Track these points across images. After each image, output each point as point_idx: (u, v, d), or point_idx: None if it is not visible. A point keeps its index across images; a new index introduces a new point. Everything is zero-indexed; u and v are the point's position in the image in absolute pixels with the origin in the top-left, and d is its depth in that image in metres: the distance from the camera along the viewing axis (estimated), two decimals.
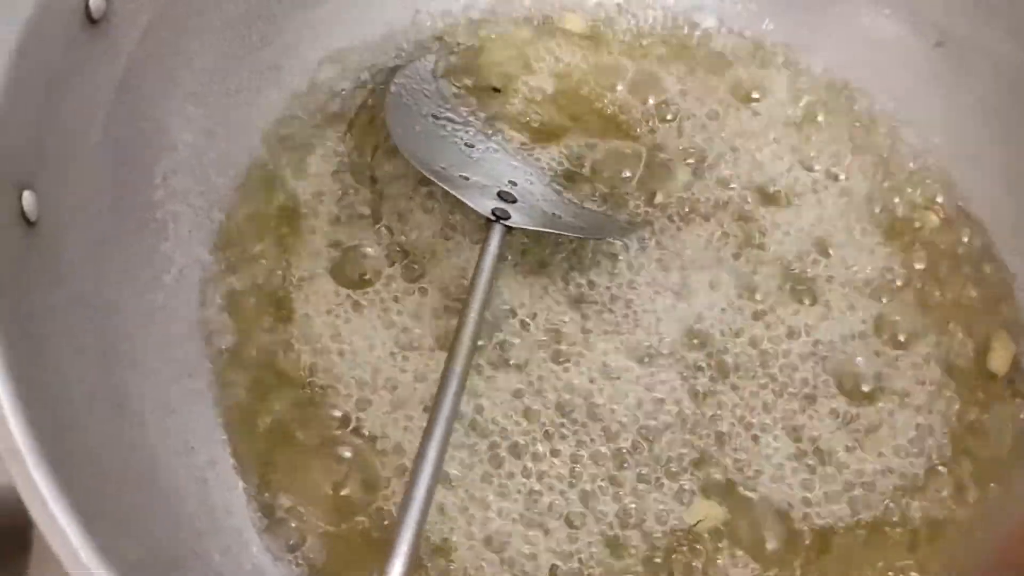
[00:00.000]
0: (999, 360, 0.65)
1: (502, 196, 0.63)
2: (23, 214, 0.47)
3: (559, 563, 0.57)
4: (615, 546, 0.58)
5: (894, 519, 0.59)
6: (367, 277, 0.65)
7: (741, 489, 0.60)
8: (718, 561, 0.58)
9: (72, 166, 0.52)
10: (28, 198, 0.48)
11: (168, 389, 0.58)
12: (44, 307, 0.48)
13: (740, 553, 0.58)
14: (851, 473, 0.60)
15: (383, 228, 0.66)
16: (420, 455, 0.50)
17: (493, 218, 0.60)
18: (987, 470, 0.61)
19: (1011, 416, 0.63)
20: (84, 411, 0.49)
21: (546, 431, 0.60)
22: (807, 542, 0.58)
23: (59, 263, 0.50)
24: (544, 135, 0.70)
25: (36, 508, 0.40)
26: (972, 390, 0.64)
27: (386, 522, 0.58)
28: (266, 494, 0.58)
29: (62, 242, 0.51)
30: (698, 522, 0.58)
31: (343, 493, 0.59)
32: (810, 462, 0.61)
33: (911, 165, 0.72)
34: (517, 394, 0.61)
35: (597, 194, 0.68)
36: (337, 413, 0.61)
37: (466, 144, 0.67)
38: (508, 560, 0.57)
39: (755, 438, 0.61)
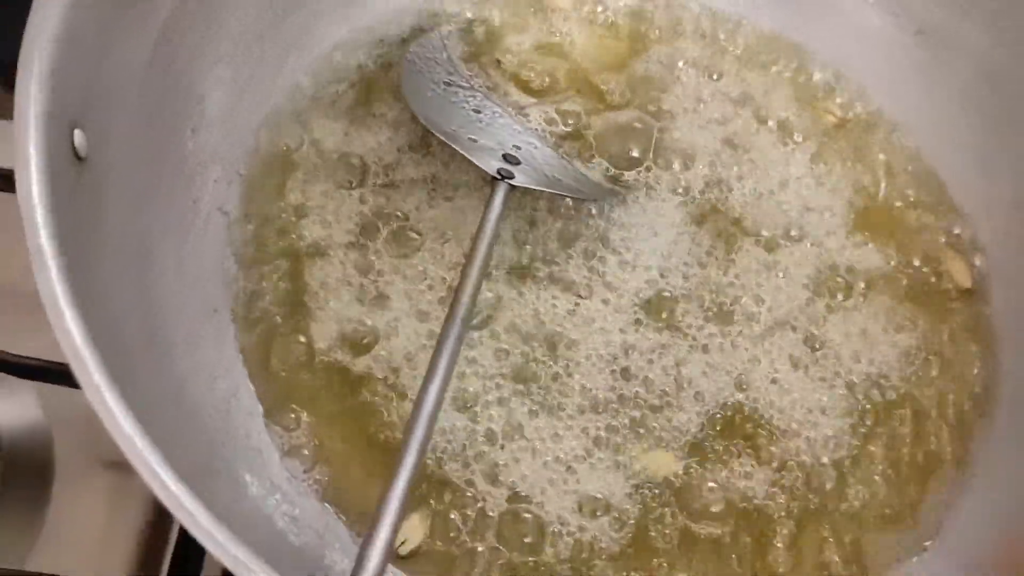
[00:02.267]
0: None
1: (507, 158, 0.68)
2: (74, 149, 0.52)
3: None
4: None
5: None
6: (378, 229, 0.70)
7: None
8: None
9: (115, 113, 0.57)
10: (79, 136, 0.52)
11: (195, 325, 0.63)
12: (92, 238, 0.53)
13: None
14: None
15: (390, 185, 0.72)
16: (426, 382, 0.55)
17: (499, 177, 0.66)
18: None
19: None
20: (126, 339, 0.54)
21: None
22: None
23: (105, 200, 0.55)
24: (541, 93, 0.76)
25: (105, 416, 0.44)
26: None
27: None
28: (282, 421, 0.64)
29: (107, 181, 0.55)
30: None
31: (354, 419, 0.64)
32: None
33: (889, 149, 0.77)
34: None
35: (594, 159, 0.74)
36: (347, 349, 0.67)
37: (474, 110, 0.72)
38: None
39: None
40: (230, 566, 0.42)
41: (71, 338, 0.45)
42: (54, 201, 0.48)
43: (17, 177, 0.48)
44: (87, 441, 0.75)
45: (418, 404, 0.52)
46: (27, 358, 0.68)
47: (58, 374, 0.69)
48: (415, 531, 0.62)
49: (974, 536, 0.64)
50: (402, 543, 0.61)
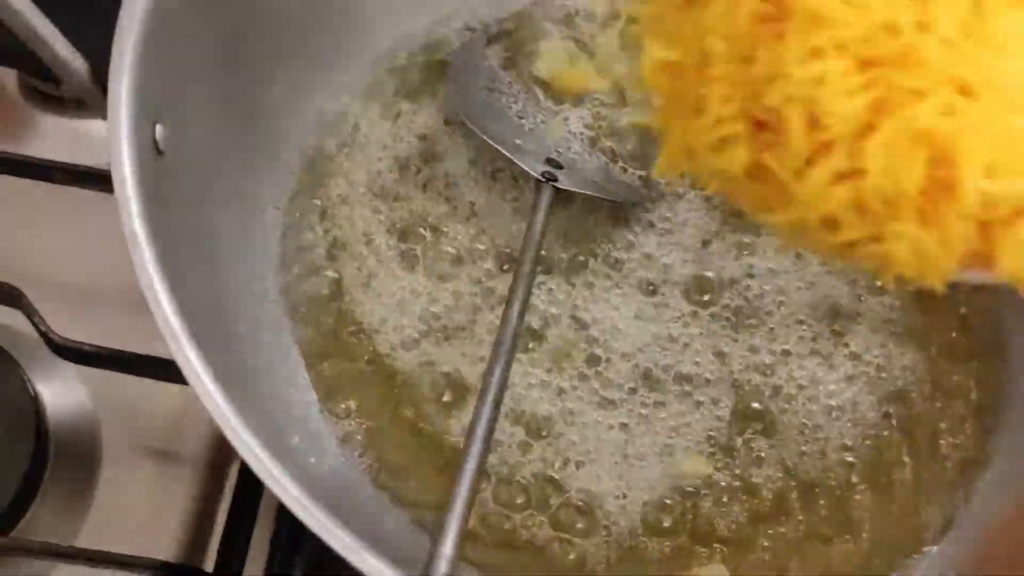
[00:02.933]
0: None
1: (550, 162, 0.72)
2: (155, 143, 0.55)
3: None
4: None
5: None
6: (423, 231, 0.74)
7: None
8: None
9: (188, 110, 0.61)
10: (159, 130, 0.56)
11: (255, 315, 0.67)
12: (169, 222, 0.56)
13: None
14: None
15: (440, 183, 0.75)
16: (485, 388, 0.56)
17: (543, 180, 0.69)
18: None
19: None
20: (199, 327, 0.57)
21: None
22: None
23: (178, 188, 0.58)
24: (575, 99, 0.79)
25: (211, 405, 0.47)
26: None
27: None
28: (335, 409, 0.68)
29: (182, 173, 0.59)
30: None
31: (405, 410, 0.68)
32: None
33: None
34: None
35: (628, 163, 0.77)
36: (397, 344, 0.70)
37: (517, 116, 0.76)
38: None
39: None
40: (317, 529, 0.45)
41: (168, 319, 0.48)
42: (143, 189, 0.52)
43: (112, 166, 0.51)
44: (133, 428, 0.78)
45: (478, 410, 0.55)
46: (78, 343, 0.71)
47: (107, 359, 0.72)
48: None
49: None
50: None
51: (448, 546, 0.46)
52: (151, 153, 0.55)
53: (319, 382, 0.68)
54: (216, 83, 0.64)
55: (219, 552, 0.72)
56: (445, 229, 0.73)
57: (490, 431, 0.53)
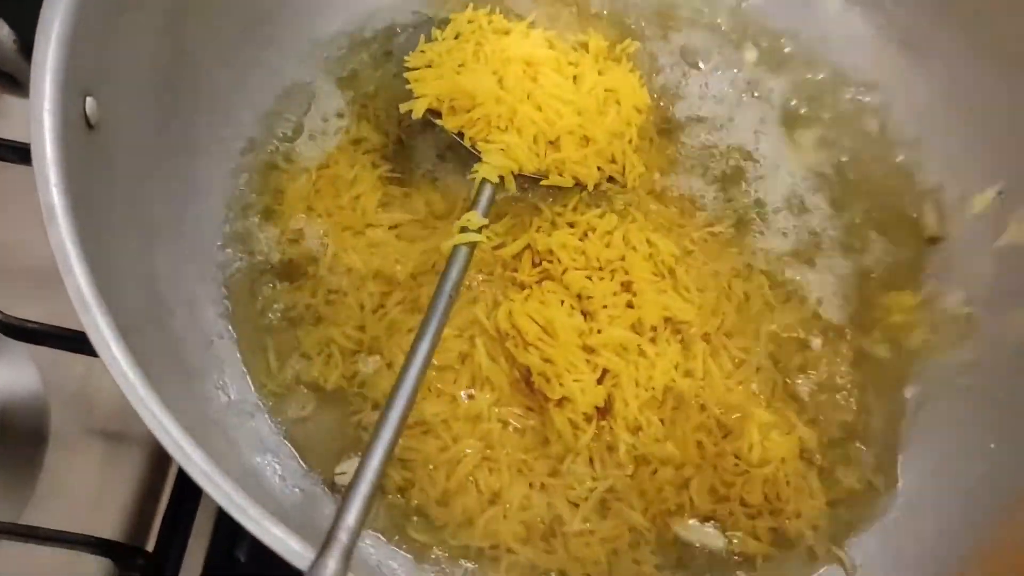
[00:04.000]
0: None
1: None
2: (86, 116, 0.55)
3: None
4: None
5: None
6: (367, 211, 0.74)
7: None
8: None
9: (126, 83, 0.60)
10: (90, 103, 0.55)
11: (193, 288, 0.67)
12: (102, 200, 0.56)
13: None
14: None
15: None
16: (414, 349, 0.57)
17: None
18: None
19: None
20: (129, 296, 0.57)
21: None
22: None
23: (113, 165, 0.58)
24: None
25: (118, 375, 0.47)
26: None
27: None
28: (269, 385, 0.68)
29: (116, 147, 0.58)
30: None
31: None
32: None
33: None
34: None
35: None
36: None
37: None
38: None
39: None
40: (227, 506, 0.44)
41: (80, 290, 0.48)
42: (66, 162, 0.51)
43: (32, 137, 0.51)
44: (83, 410, 0.78)
45: (404, 370, 0.55)
46: (26, 321, 0.71)
47: (57, 338, 0.71)
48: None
49: None
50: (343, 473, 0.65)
51: (351, 517, 0.46)
52: (80, 126, 0.55)
53: (253, 361, 0.68)
54: (157, 58, 0.64)
55: (160, 533, 0.72)
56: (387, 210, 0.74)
57: (406, 410, 0.53)
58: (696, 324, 0.71)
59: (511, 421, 0.68)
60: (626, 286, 0.72)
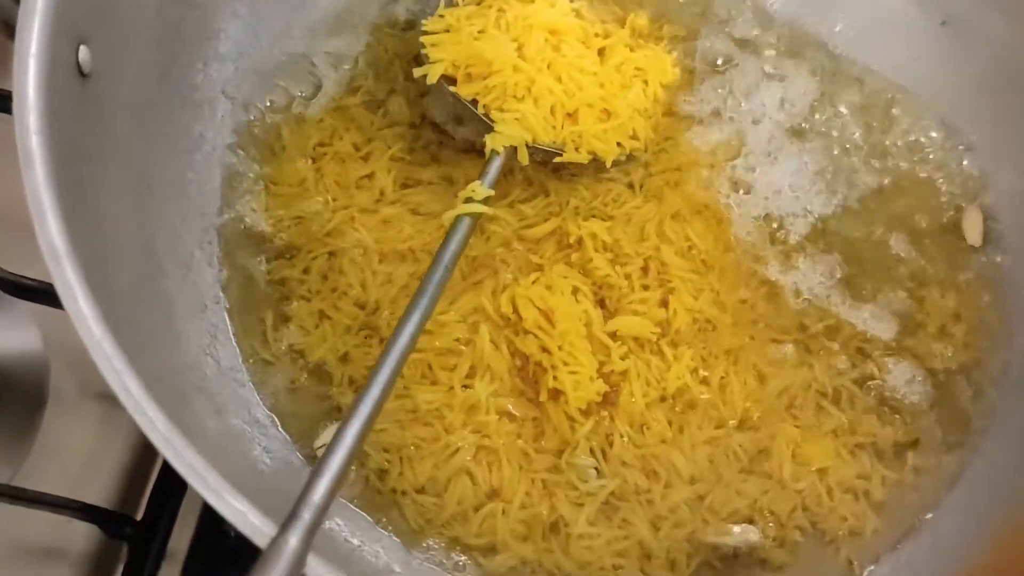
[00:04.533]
0: None
1: None
2: (78, 64, 0.53)
3: None
4: None
5: None
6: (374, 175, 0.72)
7: None
8: None
9: (126, 32, 0.58)
10: (84, 51, 0.53)
11: (189, 251, 0.65)
12: (94, 151, 0.54)
13: None
14: None
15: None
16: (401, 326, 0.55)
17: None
18: None
19: None
20: (120, 249, 0.55)
21: None
22: None
23: (108, 117, 0.56)
24: None
25: (75, 313, 0.45)
26: None
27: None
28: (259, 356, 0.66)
29: (111, 99, 0.56)
30: None
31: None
32: None
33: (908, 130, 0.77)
34: None
35: None
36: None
37: None
38: None
39: None
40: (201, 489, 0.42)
41: (52, 238, 0.46)
42: (50, 110, 0.49)
43: (14, 82, 0.49)
44: (83, 373, 0.77)
45: (390, 342, 0.53)
46: (25, 278, 0.69)
47: (55, 296, 0.69)
48: None
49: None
50: (323, 446, 0.63)
51: (317, 494, 0.43)
52: (71, 74, 0.53)
53: (246, 329, 0.67)
54: (165, 10, 0.62)
55: (150, 502, 0.70)
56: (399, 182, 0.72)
57: (387, 384, 0.51)
58: (727, 333, 0.68)
59: (510, 410, 0.65)
60: (658, 281, 0.69)
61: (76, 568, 0.71)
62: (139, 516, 0.70)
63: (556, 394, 0.64)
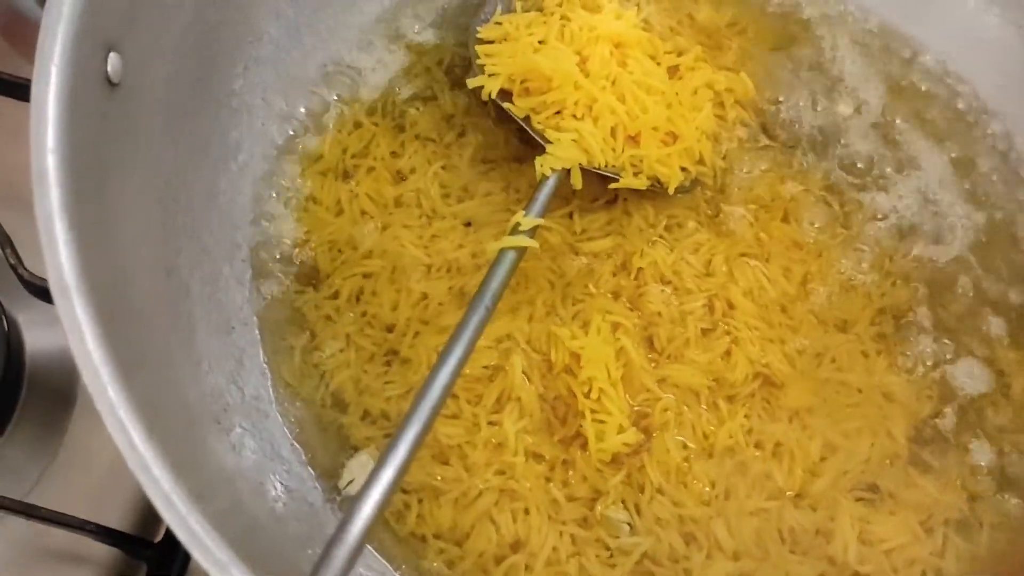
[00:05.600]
0: None
1: None
2: (106, 73, 0.50)
3: None
4: None
5: None
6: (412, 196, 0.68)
7: None
8: None
9: (160, 37, 0.55)
10: (114, 59, 0.50)
11: (218, 268, 0.62)
12: (117, 164, 0.51)
13: None
14: None
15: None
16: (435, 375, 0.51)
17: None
18: None
19: None
20: (138, 270, 0.52)
21: None
22: None
23: (137, 127, 0.53)
24: None
25: (79, 351, 0.43)
26: None
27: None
28: (286, 382, 0.63)
29: (142, 108, 0.53)
30: None
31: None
32: None
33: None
34: None
35: None
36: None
37: None
38: None
39: None
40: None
41: (61, 270, 0.43)
42: (72, 124, 0.46)
43: (32, 97, 0.46)
44: None
45: (424, 389, 0.50)
46: (44, 279, 0.67)
47: None
48: (363, 471, 0.61)
49: None
50: (349, 483, 0.61)
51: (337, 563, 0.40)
52: (99, 85, 0.50)
53: (275, 353, 0.64)
54: (203, 14, 0.59)
55: None
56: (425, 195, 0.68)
57: (418, 436, 0.47)
58: (792, 393, 0.63)
59: (539, 453, 0.61)
60: (723, 326, 0.65)
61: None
62: (159, 537, 0.68)
63: (584, 440, 0.60)
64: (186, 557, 0.67)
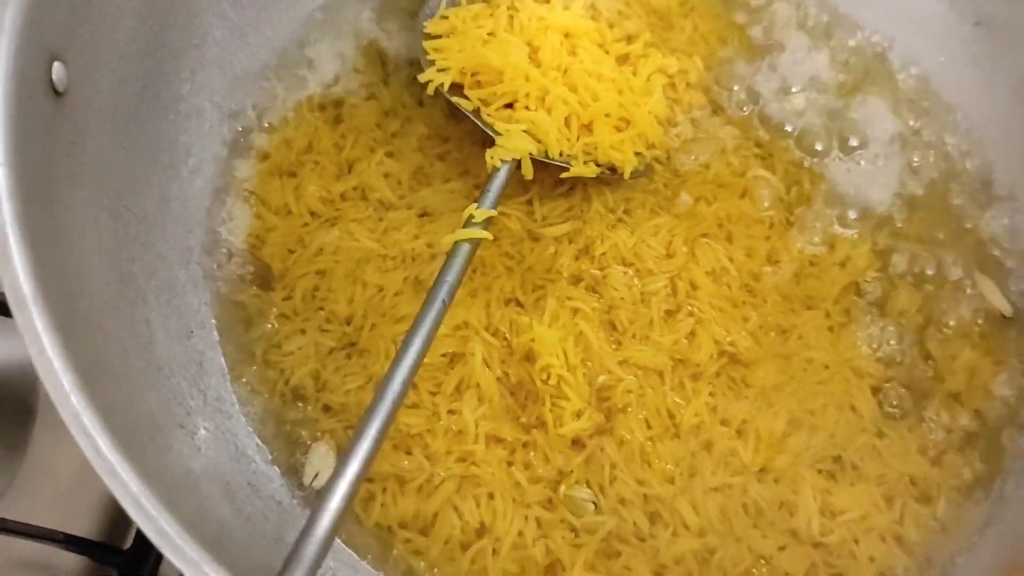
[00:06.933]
0: None
1: None
2: (51, 83, 0.51)
3: None
4: None
5: None
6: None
7: None
8: None
9: (104, 45, 0.56)
10: (58, 68, 0.51)
11: (174, 274, 0.63)
12: (66, 174, 0.52)
13: None
14: None
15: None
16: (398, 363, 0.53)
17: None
18: None
19: None
20: (94, 280, 0.53)
21: None
22: None
23: (84, 136, 0.54)
24: None
25: (39, 361, 0.44)
26: None
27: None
28: (246, 382, 0.65)
29: (88, 117, 0.55)
30: None
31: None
32: None
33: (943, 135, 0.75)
34: None
35: None
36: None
37: None
38: None
39: None
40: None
41: (18, 284, 0.44)
42: (21, 135, 0.48)
43: None
44: None
45: (384, 385, 0.51)
46: None
47: None
48: (324, 463, 0.62)
49: None
50: (315, 477, 0.62)
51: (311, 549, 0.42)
52: (44, 94, 0.51)
53: (234, 353, 0.65)
54: (145, 21, 0.60)
55: (139, 529, 0.69)
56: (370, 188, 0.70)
57: (380, 431, 0.49)
58: (759, 371, 0.65)
59: (500, 437, 0.63)
60: (686, 307, 0.67)
61: None
62: (127, 544, 0.69)
63: (545, 424, 0.62)
64: (156, 563, 0.68)
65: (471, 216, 0.60)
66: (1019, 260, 0.71)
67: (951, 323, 0.69)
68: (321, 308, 0.66)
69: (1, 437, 0.74)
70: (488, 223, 0.61)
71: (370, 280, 0.66)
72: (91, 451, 0.42)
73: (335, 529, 0.45)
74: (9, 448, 0.74)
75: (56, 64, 0.51)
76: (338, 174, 0.70)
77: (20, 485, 0.73)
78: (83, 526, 0.70)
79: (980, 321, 0.69)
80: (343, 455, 0.48)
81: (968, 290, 0.70)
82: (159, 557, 0.69)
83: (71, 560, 0.70)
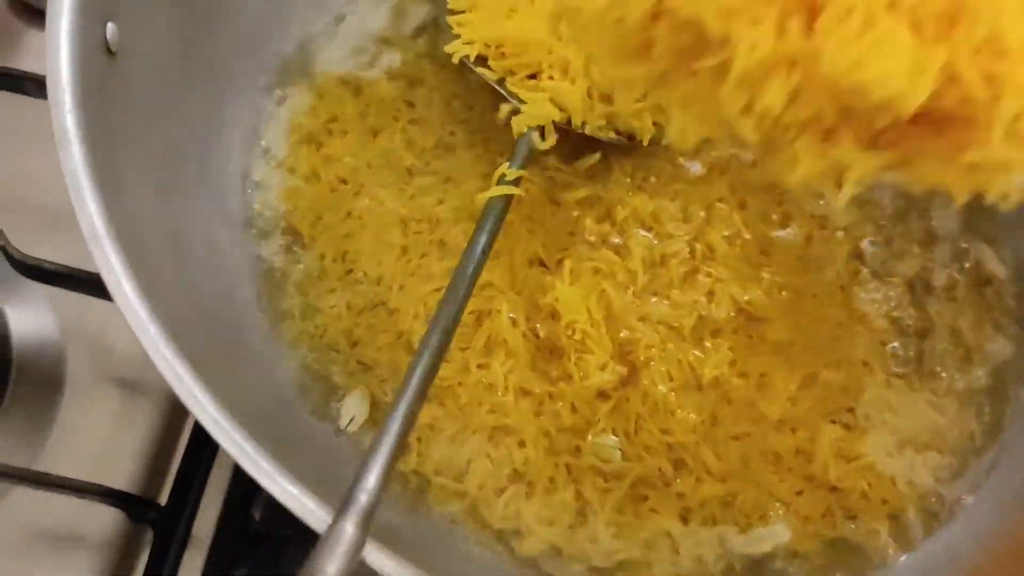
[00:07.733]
0: None
1: None
2: (106, 42, 0.54)
3: None
4: None
5: None
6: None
7: None
8: None
9: (152, 8, 0.59)
10: (111, 29, 0.55)
11: (215, 232, 0.66)
12: (121, 131, 0.55)
13: None
14: None
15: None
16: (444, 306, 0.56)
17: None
18: None
19: None
20: (146, 231, 0.56)
21: None
22: None
23: (135, 96, 0.57)
24: None
25: (118, 294, 0.46)
26: None
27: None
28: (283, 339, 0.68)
29: (137, 79, 0.58)
30: None
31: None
32: None
33: None
34: None
35: None
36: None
37: None
38: None
39: None
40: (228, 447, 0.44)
41: (92, 220, 0.47)
42: (83, 88, 0.51)
43: (47, 62, 0.50)
44: (100, 357, 0.78)
45: (428, 334, 0.54)
46: (38, 259, 0.71)
47: (73, 280, 0.71)
48: (359, 408, 0.66)
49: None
50: (350, 421, 0.66)
51: (372, 478, 0.44)
52: (100, 52, 0.54)
53: (274, 308, 0.68)
54: None
55: (174, 486, 0.72)
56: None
57: (431, 370, 0.52)
58: (775, 328, 0.69)
59: (527, 389, 0.66)
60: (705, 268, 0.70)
61: (97, 554, 0.73)
62: (163, 500, 0.71)
63: (570, 377, 0.66)
64: (190, 519, 0.71)
65: (503, 175, 0.64)
66: (1012, 224, 0.74)
67: (949, 285, 0.73)
68: (351, 270, 0.70)
69: (28, 408, 0.76)
70: (518, 183, 0.64)
71: (396, 242, 0.70)
72: (171, 375, 0.45)
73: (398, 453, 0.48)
74: (37, 419, 0.76)
75: (110, 24, 0.54)
76: (364, 142, 0.73)
77: (47, 456, 0.75)
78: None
79: (976, 282, 0.73)
80: (406, 375, 0.51)
81: (968, 252, 0.73)
82: (194, 513, 0.71)
83: (100, 528, 0.73)
